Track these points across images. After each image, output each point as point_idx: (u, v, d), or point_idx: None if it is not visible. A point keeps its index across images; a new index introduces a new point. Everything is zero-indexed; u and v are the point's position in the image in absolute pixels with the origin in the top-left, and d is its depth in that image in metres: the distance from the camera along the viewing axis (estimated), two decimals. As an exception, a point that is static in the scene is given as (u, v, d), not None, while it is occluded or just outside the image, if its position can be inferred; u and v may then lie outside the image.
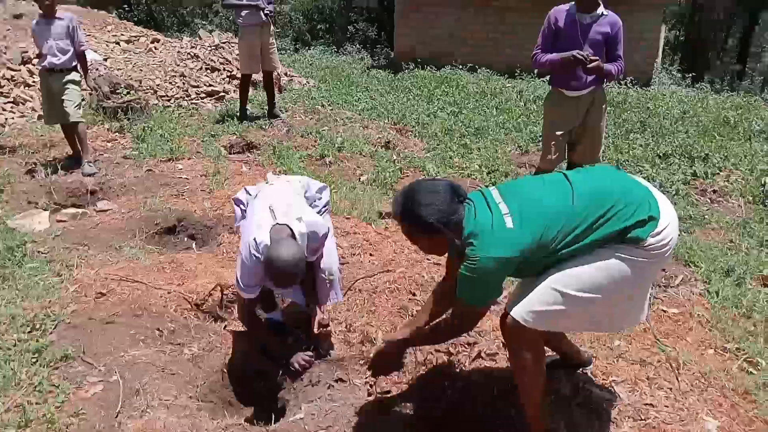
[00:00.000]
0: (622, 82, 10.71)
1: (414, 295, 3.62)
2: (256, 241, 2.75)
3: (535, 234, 2.17)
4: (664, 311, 3.46)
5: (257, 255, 2.75)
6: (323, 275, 3.14)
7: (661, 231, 2.17)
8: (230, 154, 6.65)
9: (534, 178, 2.50)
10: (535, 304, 2.24)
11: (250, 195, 3.23)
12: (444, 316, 2.54)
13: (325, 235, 3.00)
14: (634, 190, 2.27)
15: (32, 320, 3.21)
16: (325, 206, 3.40)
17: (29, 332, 3.14)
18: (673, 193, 5.42)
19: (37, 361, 2.93)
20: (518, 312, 2.25)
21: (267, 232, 2.76)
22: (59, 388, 2.76)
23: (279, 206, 2.85)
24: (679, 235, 4.38)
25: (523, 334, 2.27)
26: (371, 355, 2.77)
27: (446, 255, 2.62)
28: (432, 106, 8.85)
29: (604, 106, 4.38)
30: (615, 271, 2.19)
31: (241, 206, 3.28)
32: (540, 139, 6.48)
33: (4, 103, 7.60)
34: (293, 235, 2.79)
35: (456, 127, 7.72)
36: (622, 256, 2.18)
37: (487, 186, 5.44)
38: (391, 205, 2.38)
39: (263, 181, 3.26)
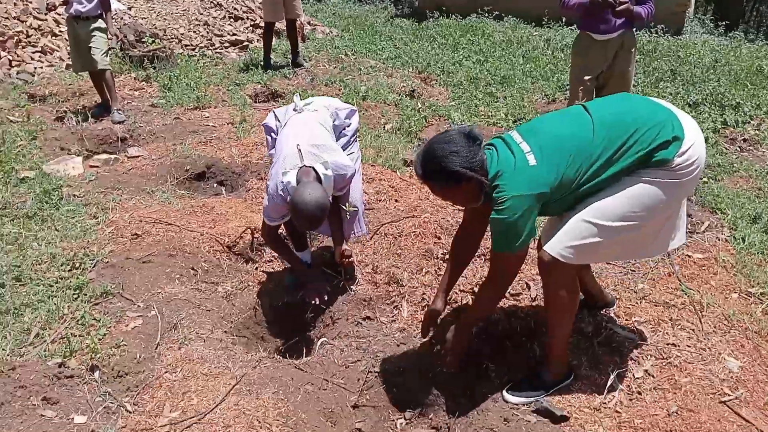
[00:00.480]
0: (652, 30, 10.43)
1: (439, 238, 3.68)
2: (282, 182, 2.83)
3: (559, 168, 2.19)
4: (689, 256, 3.48)
5: (282, 194, 2.84)
6: (345, 207, 3.20)
7: (687, 150, 2.17)
8: (255, 102, 6.68)
9: (553, 114, 2.48)
10: (570, 238, 2.26)
11: (279, 122, 3.26)
12: (482, 289, 2.56)
13: (352, 176, 3.04)
14: (656, 112, 2.25)
15: (72, 259, 3.34)
16: (354, 134, 3.40)
17: (69, 270, 3.28)
18: (702, 141, 5.35)
19: (78, 297, 3.07)
20: (554, 248, 2.28)
21: (294, 174, 2.82)
22: (100, 321, 2.90)
23: (306, 147, 2.89)
24: (706, 182, 4.41)
25: (559, 269, 2.30)
26: (444, 351, 2.70)
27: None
28: (457, 54, 8.74)
29: (633, 50, 4.31)
30: (645, 197, 2.20)
31: (272, 134, 3.31)
32: (567, 87, 6.40)
33: (33, 53, 7.67)
34: (319, 178, 2.84)
35: (482, 76, 7.64)
36: (651, 180, 2.19)
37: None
38: (414, 170, 2.37)
39: (291, 103, 3.27)
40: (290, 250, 3.30)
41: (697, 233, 3.75)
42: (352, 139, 3.38)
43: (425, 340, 2.87)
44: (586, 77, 4.33)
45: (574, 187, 2.23)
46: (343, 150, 3.21)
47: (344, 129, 3.33)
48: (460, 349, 2.65)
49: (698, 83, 7.24)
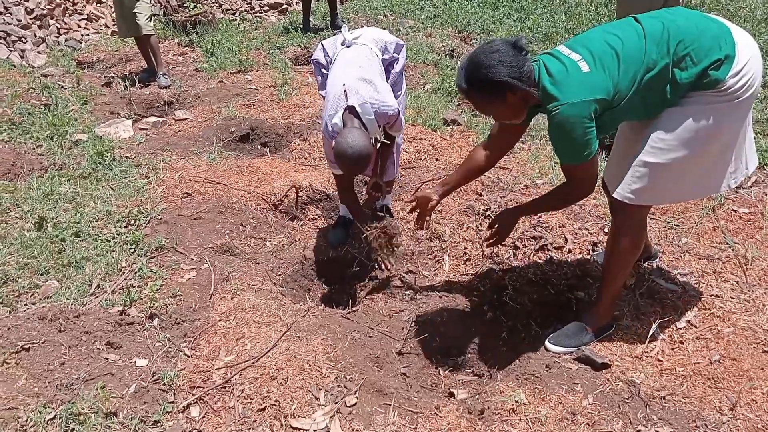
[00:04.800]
0: (701, -16, 10.03)
1: (480, 195, 3.71)
2: (330, 125, 2.86)
3: (612, 75, 2.12)
4: (735, 211, 3.44)
5: (334, 135, 2.85)
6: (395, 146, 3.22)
7: (740, 69, 2.08)
8: (295, 65, 6.73)
9: (601, 27, 2.35)
10: (634, 181, 2.26)
11: (328, 57, 3.23)
12: (559, 186, 2.52)
13: (395, 114, 2.95)
14: (709, 27, 2.14)
15: (127, 216, 3.49)
16: (401, 70, 3.34)
17: (125, 226, 3.43)
18: (752, 96, 5.20)
19: (134, 251, 3.22)
20: (620, 192, 2.30)
21: (340, 116, 2.83)
22: (157, 273, 3.04)
23: (352, 83, 2.86)
24: (754, 137, 4.29)
25: (627, 213, 2.33)
26: (490, 227, 2.69)
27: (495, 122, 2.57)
28: (498, 12, 8.58)
29: (680, 0, 4.20)
30: (701, 126, 2.14)
31: (322, 71, 3.28)
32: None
33: (79, 20, 7.84)
34: (362, 120, 2.84)
35: (523, 34, 7.51)
36: (704, 106, 2.13)
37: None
38: (456, 79, 2.28)
39: (339, 35, 3.23)
40: (357, 204, 3.28)
41: (743, 188, 3.69)
42: (399, 78, 3.32)
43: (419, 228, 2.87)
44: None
45: (627, 99, 2.15)
46: (392, 89, 3.15)
47: (393, 63, 3.28)
48: (506, 232, 2.64)
49: (749, 37, 6.99)
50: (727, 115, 2.15)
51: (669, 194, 2.37)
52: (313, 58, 3.33)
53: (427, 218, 2.80)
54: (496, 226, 2.64)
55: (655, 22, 2.17)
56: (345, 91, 2.85)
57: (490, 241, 2.68)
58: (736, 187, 3.71)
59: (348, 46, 3.12)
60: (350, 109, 2.83)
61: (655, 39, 2.12)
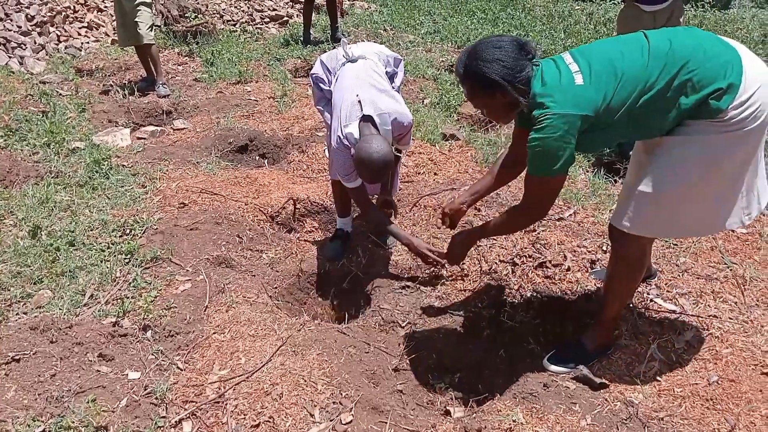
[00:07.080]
0: (698, 4, 10.12)
1: (478, 210, 3.70)
2: (344, 135, 2.82)
3: (607, 92, 2.04)
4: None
5: (347, 144, 2.82)
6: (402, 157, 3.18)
7: (746, 100, 1.96)
8: (295, 77, 6.74)
9: (609, 39, 2.29)
10: (628, 209, 2.23)
11: (329, 72, 3.19)
12: (512, 210, 2.48)
13: (409, 124, 2.96)
14: (718, 54, 2.01)
15: (122, 226, 3.47)
16: (401, 81, 3.33)
17: (120, 236, 3.41)
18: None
19: (129, 261, 3.19)
20: (614, 219, 2.29)
21: (356, 126, 2.81)
22: (151, 284, 3.02)
23: (366, 95, 2.85)
24: None
25: (624, 240, 2.30)
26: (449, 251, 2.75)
27: (513, 126, 2.51)
28: (497, 29, 8.63)
29: (682, 20, 4.22)
30: (697, 157, 2.06)
31: (322, 84, 3.22)
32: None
33: (79, 28, 7.85)
34: (378, 129, 2.82)
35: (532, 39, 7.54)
36: (703, 136, 2.03)
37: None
38: (455, 64, 2.22)
39: (338, 49, 3.17)
40: (383, 215, 3.25)
41: (742, 208, 3.69)
42: (399, 87, 3.29)
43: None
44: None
45: (618, 118, 2.07)
46: None
47: (393, 77, 3.25)
48: (459, 255, 2.72)
49: (746, 58, 7.04)
50: (729, 147, 2.04)
51: (664, 227, 2.29)
52: (312, 72, 3.29)
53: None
54: (452, 248, 2.70)
55: (663, 40, 2.08)
56: (360, 101, 2.83)
57: (442, 260, 2.86)
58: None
59: (352, 61, 3.09)
60: (366, 119, 2.81)
61: (658, 58, 2.03)
